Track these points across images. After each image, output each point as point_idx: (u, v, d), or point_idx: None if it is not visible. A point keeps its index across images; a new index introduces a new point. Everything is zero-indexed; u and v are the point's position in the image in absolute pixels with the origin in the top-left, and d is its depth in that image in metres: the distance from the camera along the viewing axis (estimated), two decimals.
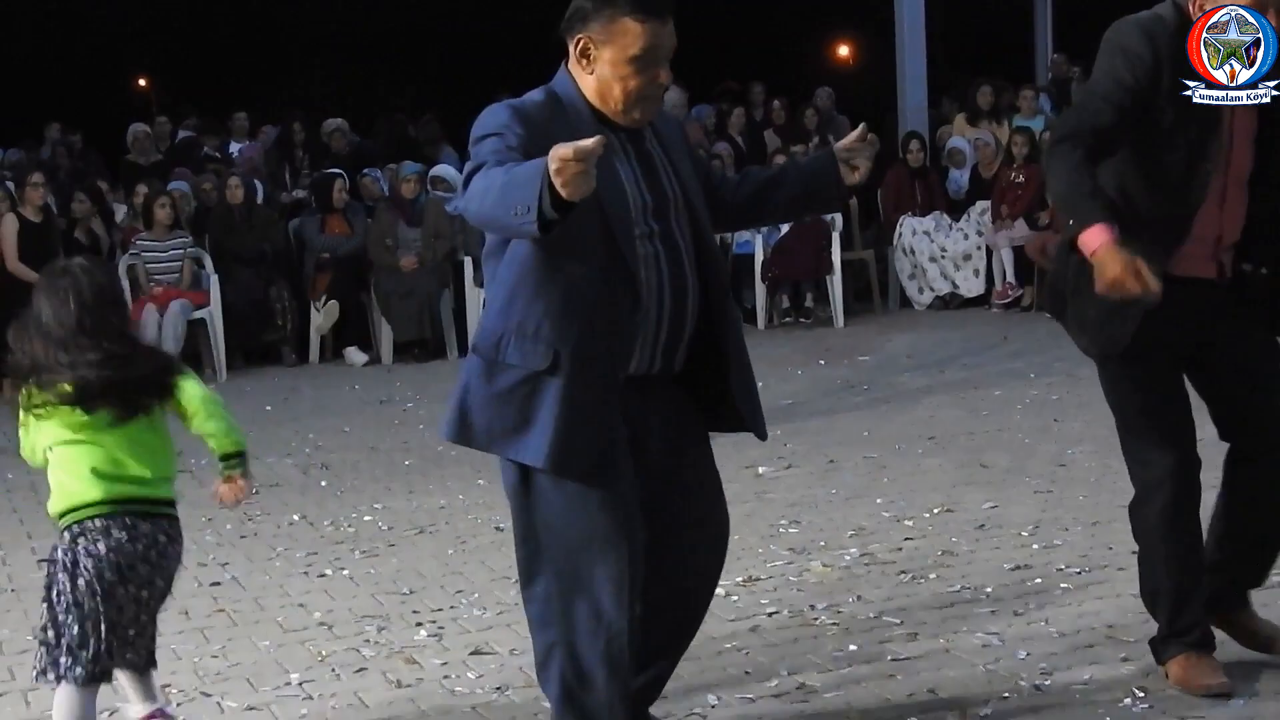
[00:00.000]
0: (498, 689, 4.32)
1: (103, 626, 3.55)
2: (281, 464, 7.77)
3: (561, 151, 2.81)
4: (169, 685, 4.50)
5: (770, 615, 4.81)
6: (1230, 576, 4.04)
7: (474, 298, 11.30)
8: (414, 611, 5.10)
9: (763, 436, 3.50)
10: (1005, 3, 18.14)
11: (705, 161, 3.73)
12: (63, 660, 3.55)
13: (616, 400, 3.23)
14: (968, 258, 12.36)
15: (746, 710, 4.00)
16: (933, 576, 5.15)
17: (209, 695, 4.41)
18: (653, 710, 3.65)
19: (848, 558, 5.43)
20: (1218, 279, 3.79)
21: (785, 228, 11.84)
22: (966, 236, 12.37)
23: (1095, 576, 5.05)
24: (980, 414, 8.07)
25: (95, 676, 3.59)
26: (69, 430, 3.57)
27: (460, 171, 12.31)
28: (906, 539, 5.65)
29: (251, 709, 4.28)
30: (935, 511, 6.02)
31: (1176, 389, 3.86)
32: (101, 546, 3.57)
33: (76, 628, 3.55)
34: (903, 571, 5.23)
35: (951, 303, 12.38)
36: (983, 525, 5.78)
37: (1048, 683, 4.11)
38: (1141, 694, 3.96)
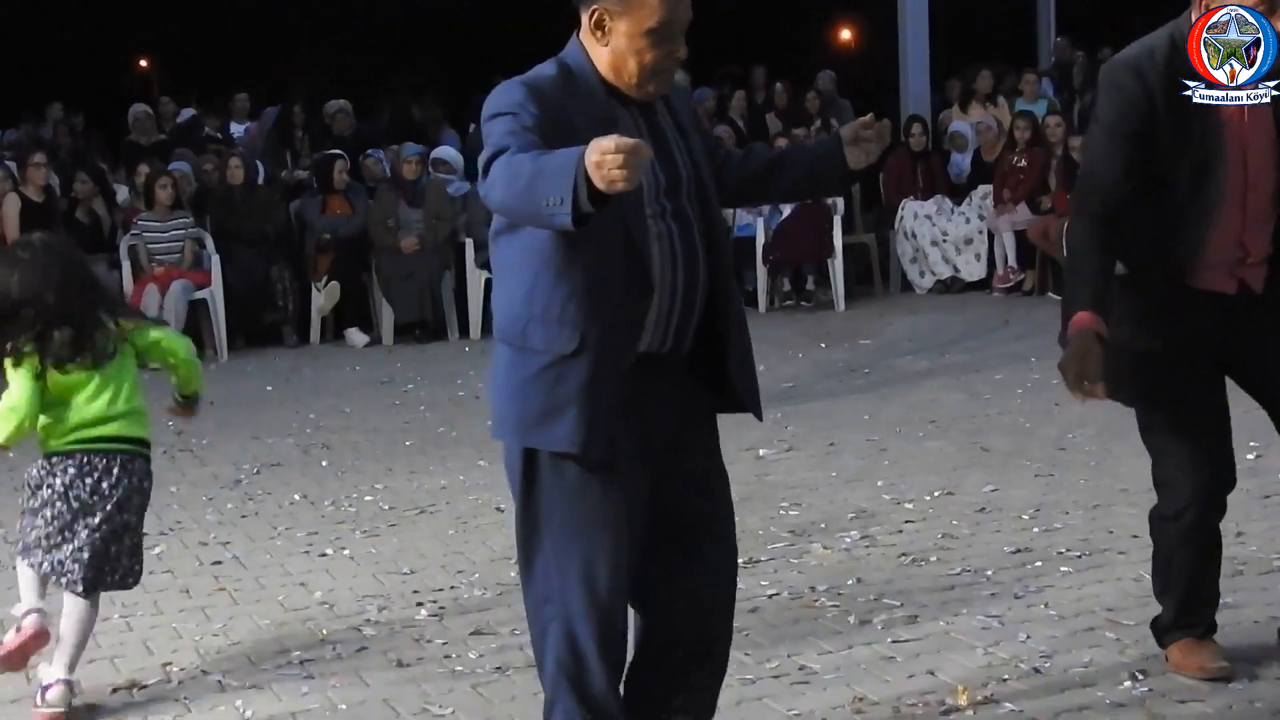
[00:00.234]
0: (498, 668, 4.32)
1: (56, 538, 4.15)
2: (282, 444, 7.77)
3: (604, 144, 2.75)
4: (170, 663, 4.51)
5: (770, 597, 4.81)
6: None
7: (475, 279, 11.30)
8: (415, 591, 5.11)
9: (759, 417, 3.47)
10: None
11: (711, 134, 3.68)
12: (29, 544, 4.21)
13: (629, 381, 3.20)
14: (969, 242, 12.35)
15: (746, 692, 4.01)
16: (933, 559, 5.16)
17: (210, 674, 4.42)
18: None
19: (848, 540, 5.44)
20: (1237, 294, 3.72)
21: (786, 211, 11.83)
22: (968, 220, 12.35)
23: (1095, 560, 5.05)
24: (981, 398, 8.07)
25: (45, 575, 4.20)
26: (45, 380, 4.13)
27: (461, 153, 12.25)
28: (907, 522, 5.65)
29: (253, 687, 4.29)
30: (935, 494, 6.02)
31: (1206, 404, 3.81)
32: (58, 481, 4.15)
33: (36, 533, 4.18)
34: (903, 554, 5.24)
35: (953, 286, 12.37)
36: (983, 508, 5.78)
37: (1047, 665, 4.11)
38: (1141, 677, 3.97)
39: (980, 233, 12.29)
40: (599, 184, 2.78)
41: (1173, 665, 3.94)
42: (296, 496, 6.60)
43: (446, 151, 12.34)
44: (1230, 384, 3.90)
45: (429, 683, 4.24)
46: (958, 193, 12.56)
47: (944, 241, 12.41)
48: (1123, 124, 3.57)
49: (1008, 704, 3.85)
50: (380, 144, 12.81)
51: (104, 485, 4.14)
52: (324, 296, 11.38)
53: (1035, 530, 5.44)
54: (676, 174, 3.24)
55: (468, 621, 4.75)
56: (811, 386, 8.48)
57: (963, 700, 3.88)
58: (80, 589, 4.14)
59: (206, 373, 10.45)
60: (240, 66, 19.33)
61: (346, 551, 5.68)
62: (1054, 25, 16.35)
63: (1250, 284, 3.73)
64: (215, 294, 10.99)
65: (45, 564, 4.15)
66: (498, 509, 6.17)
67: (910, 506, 5.86)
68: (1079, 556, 5.09)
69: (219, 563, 5.62)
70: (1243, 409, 3.96)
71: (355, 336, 11.38)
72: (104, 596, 5.16)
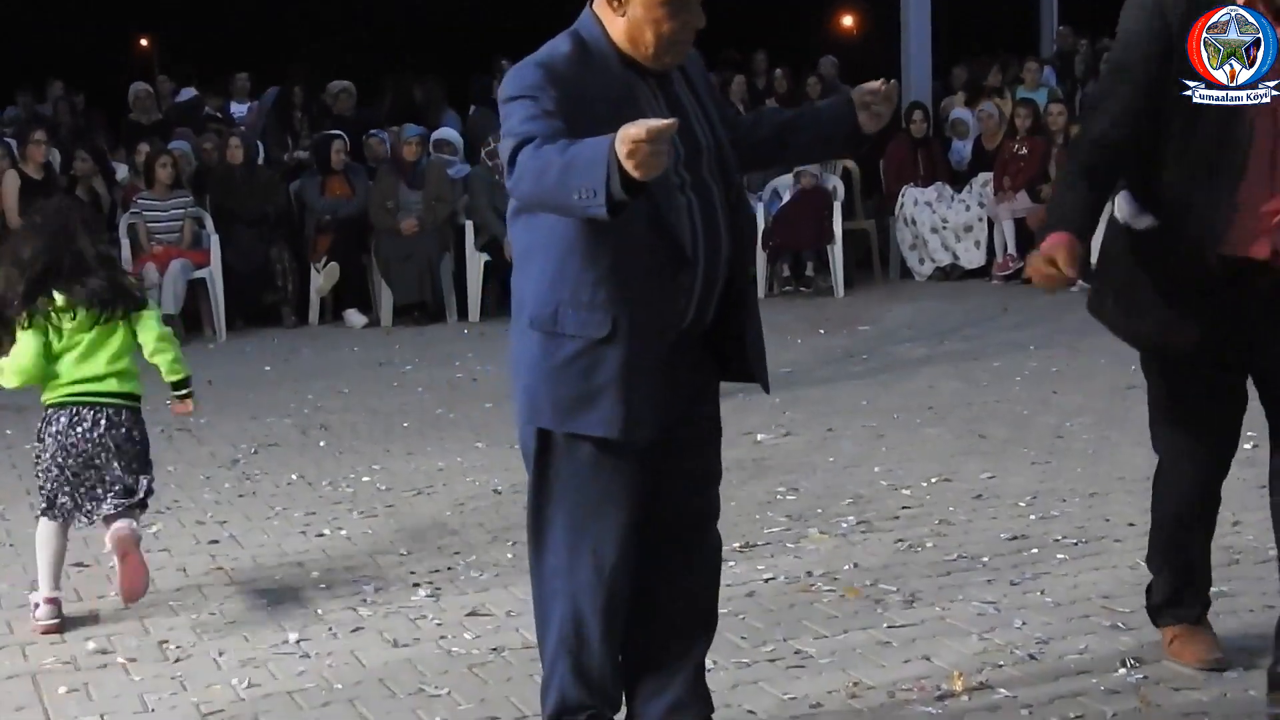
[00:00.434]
0: (494, 650, 4.32)
1: (64, 484, 4.70)
2: (280, 424, 7.77)
3: (633, 132, 2.74)
4: (167, 641, 4.52)
5: (767, 581, 4.81)
6: None
7: (474, 262, 11.29)
8: (411, 572, 5.11)
9: (767, 389, 3.45)
10: None
11: (725, 102, 3.65)
12: (40, 503, 4.74)
13: (671, 359, 3.19)
14: (969, 229, 12.33)
15: (742, 675, 4.01)
16: (929, 545, 5.16)
17: (206, 652, 4.42)
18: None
19: (845, 525, 5.44)
20: (1271, 261, 3.51)
21: (786, 196, 11.82)
22: (968, 208, 12.33)
23: (1091, 548, 5.05)
24: (979, 385, 8.06)
25: (59, 517, 4.72)
26: (49, 340, 4.65)
27: (461, 134, 12.22)
28: (904, 508, 5.65)
29: (249, 666, 4.29)
30: (933, 481, 6.02)
31: (1222, 391, 3.73)
32: (54, 428, 4.71)
33: (48, 483, 4.71)
34: (900, 540, 5.24)
35: (952, 274, 12.36)
36: (980, 495, 5.78)
37: (1043, 652, 4.11)
38: (1136, 664, 3.97)
39: (980, 220, 12.28)
40: (632, 172, 2.77)
41: (1170, 654, 3.93)
42: (294, 477, 6.60)
43: (447, 133, 12.32)
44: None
45: (425, 664, 4.24)
46: (958, 180, 12.55)
47: (944, 229, 12.40)
48: (1127, 57, 3.47)
49: (1003, 690, 3.86)
50: (381, 125, 12.78)
51: (95, 434, 4.68)
52: (323, 277, 11.37)
53: (1032, 517, 5.44)
54: (696, 144, 3.20)
55: (464, 603, 4.76)
56: (810, 372, 8.47)
57: (958, 686, 3.88)
58: (89, 522, 4.76)
59: (204, 353, 10.50)
60: (242, 46, 19.28)
61: (344, 532, 5.68)
62: (1056, 13, 16.32)
63: None
64: (214, 274, 10.98)
65: (59, 509, 4.71)
66: (495, 491, 6.17)
67: (907, 493, 5.87)
68: (1075, 544, 5.09)
69: (216, 542, 5.62)
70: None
71: (354, 318, 11.38)
72: (100, 576, 5.19)
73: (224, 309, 11.03)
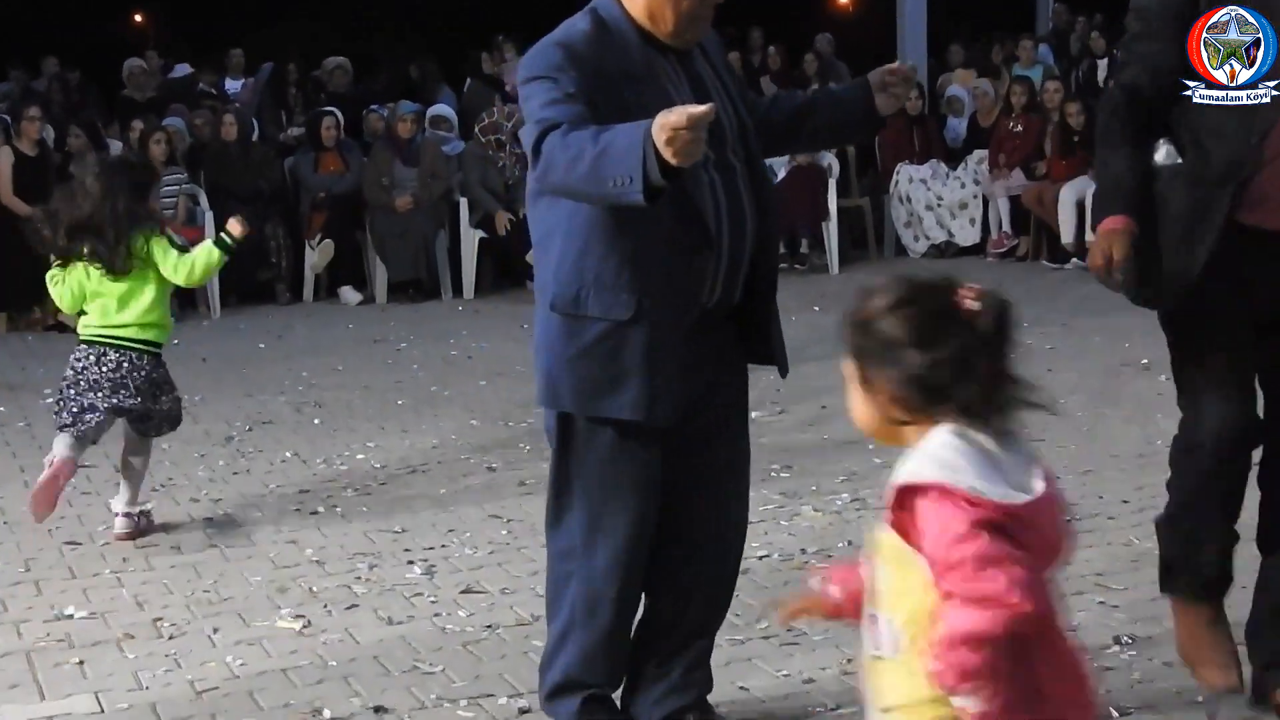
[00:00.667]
0: (488, 627, 4.32)
1: (84, 412, 5.22)
2: (275, 402, 7.76)
3: (673, 120, 2.71)
4: (161, 619, 4.51)
5: (761, 559, 4.81)
6: None
7: (469, 239, 11.27)
8: (405, 550, 5.11)
9: (785, 372, 3.43)
10: None
11: (743, 80, 3.63)
12: (64, 418, 5.25)
13: (694, 340, 3.17)
14: (964, 206, 12.32)
15: (736, 652, 4.01)
16: None
17: (201, 629, 4.42)
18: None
19: (839, 503, 5.44)
20: None
21: (781, 174, 11.80)
22: (963, 185, 12.32)
23: (1085, 525, 5.05)
24: None
25: (78, 438, 5.22)
26: (86, 285, 5.23)
27: (456, 111, 12.12)
28: None
29: (243, 643, 4.29)
30: None
31: (1244, 352, 3.55)
32: (79, 364, 5.24)
33: (73, 406, 5.23)
34: None
35: (947, 251, 12.34)
36: None
37: None
38: (1129, 640, 3.98)
39: (975, 197, 12.26)
40: (672, 159, 2.74)
41: (1180, 650, 3.67)
42: (288, 454, 6.60)
43: (443, 109, 12.27)
44: None
45: (419, 640, 4.24)
46: (953, 157, 12.53)
47: (939, 206, 12.38)
48: (1154, 9, 3.35)
49: None
50: (377, 101, 12.74)
51: (116, 373, 5.21)
52: (318, 254, 11.34)
53: None
54: (718, 123, 3.13)
55: (458, 580, 4.76)
56: (805, 350, 8.42)
57: None
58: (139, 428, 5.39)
59: (198, 330, 10.47)
60: (237, 22, 19.21)
61: (338, 509, 5.68)
62: None
63: None
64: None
65: (74, 431, 5.21)
66: (489, 469, 6.17)
67: None
68: (1069, 521, 5.08)
69: (210, 519, 5.61)
70: None
71: (349, 295, 11.36)
72: (94, 553, 5.19)
73: (218, 286, 10.99)
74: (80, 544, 5.32)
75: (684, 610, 3.41)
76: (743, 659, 3.96)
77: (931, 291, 2.06)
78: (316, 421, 7.25)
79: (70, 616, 4.54)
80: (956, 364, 2.03)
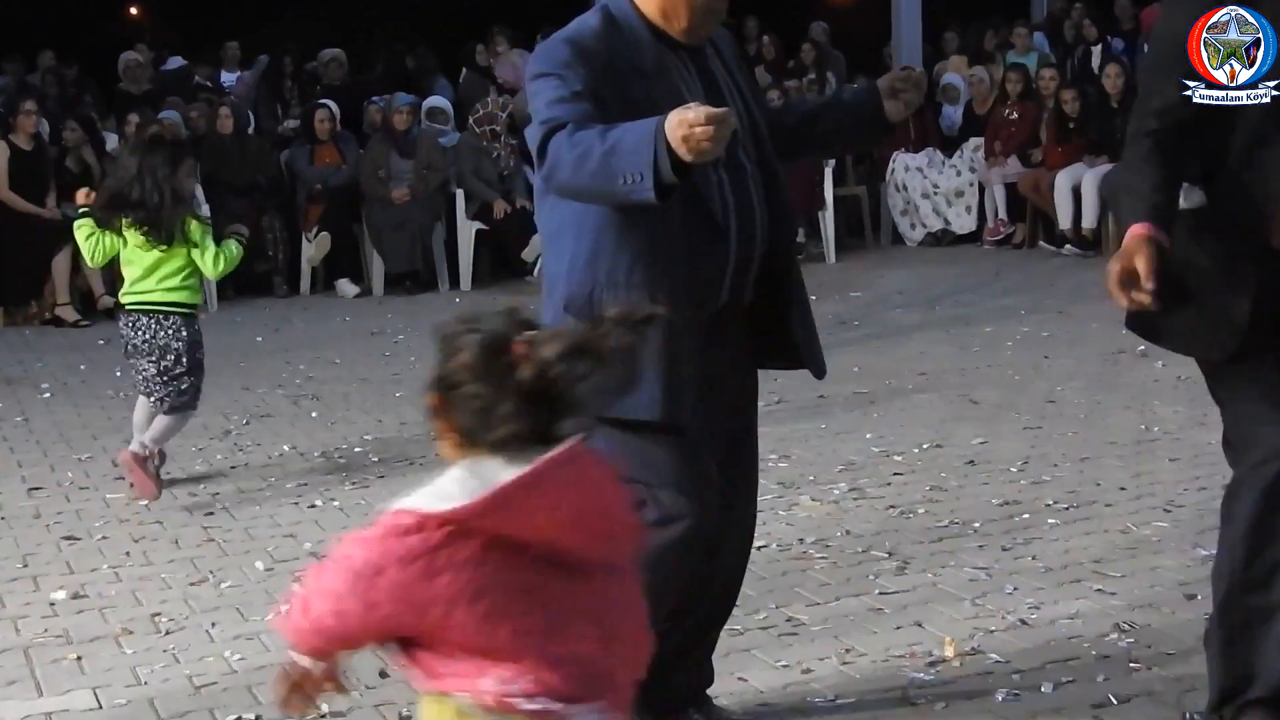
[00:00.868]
0: None
1: (136, 375, 5.85)
2: (272, 395, 7.75)
3: (691, 116, 2.68)
4: (159, 614, 4.50)
5: (759, 549, 4.78)
6: None
7: (466, 231, 11.26)
8: None
9: (819, 375, 3.35)
10: None
11: (754, 79, 3.58)
12: (141, 387, 5.86)
13: (708, 337, 3.12)
14: (960, 194, 12.31)
15: (734, 643, 4.00)
16: (921, 511, 5.15)
17: (199, 624, 4.41)
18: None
19: (836, 492, 5.43)
20: None
21: None
22: (959, 173, 12.31)
23: (1082, 512, 5.05)
24: (971, 350, 8.06)
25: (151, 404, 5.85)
26: (119, 248, 5.78)
27: (452, 103, 12.08)
28: (895, 474, 5.65)
29: (241, 638, 4.28)
30: (925, 447, 6.02)
31: None
32: (122, 335, 5.86)
33: (136, 375, 5.85)
34: (891, 506, 5.23)
35: (943, 239, 12.34)
36: (972, 461, 5.78)
37: (1034, 617, 4.12)
38: (1127, 628, 3.98)
39: (971, 185, 12.26)
40: (686, 155, 2.71)
41: None
42: (286, 447, 6.59)
43: (439, 101, 12.26)
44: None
45: None
46: (949, 145, 12.51)
47: (935, 194, 12.37)
48: (1180, 28, 3.19)
49: (994, 655, 3.86)
50: (373, 93, 12.71)
51: (148, 337, 5.74)
52: (314, 247, 11.34)
53: (1023, 483, 5.44)
54: None
55: None
56: None
57: (949, 652, 3.88)
58: (163, 408, 5.82)
59: None
60: (233, 15, 19.17)
61: (336, 503, 5.67)
62: None
63: None
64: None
65: (142, 395, 5.85)
66: None
67: (899, 459, 5.86)
68: (1066, 509, 5.09)
69: (209, 513, 5.60)
70: None
71: (346, 287, 11.35)
72: (92, 549, 5.18)
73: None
74: (79, 539, 5.31)
75: (700, 605, 3.36)
76: (741, 650, 3.95)
77: (491, 335, 2.18)
78: (314, 414, 7.25)
79: (67, 612, 4.53)
80: (489, 406, 2.17)
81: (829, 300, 9.82)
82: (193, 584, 4.78)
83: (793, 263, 3.30)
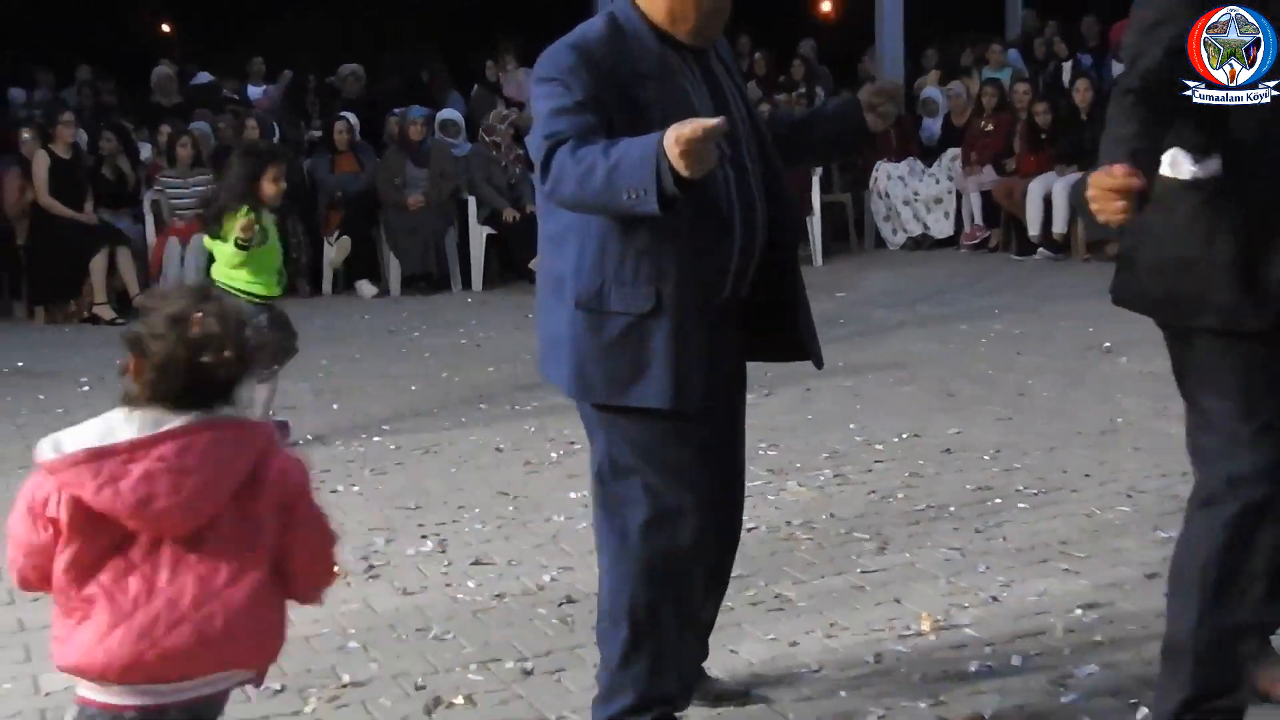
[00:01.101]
0: (496, 596, 4.34)
1: None
2: (296, 388, 7.75)
3: (686, 132, 2.64)
4: None
5: (749, 531, 4.82)
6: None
7: (477, 234, 11.27)
8: (419, 525, 5.13)
9: (819, 365, 3.33)
10: None
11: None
12: None
13: (713, 329, 3.08)
14: (939, 201, 12.33)
15: (725, 619, 4.00)
16: (900, 496, 5.18)
17: None
18: None
19: (822, 478, 5.46)
20: None
21: None
22: (938, 181, 12.33)
23: (1051, 497, 5.08)
24: (948, 347, 8.08)
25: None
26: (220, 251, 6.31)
27: (463, 115, 12.06)
28: (877, 461, 5.67)
29: None
30: (904, 436, 6.04)
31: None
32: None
33: None
34: (872, 491, 5.26)
35: (923, 243, 12.36)
36: (948, 449, 5.80)
37: (1005, 594, 4.14)
38: (1091, 606, 4.00)
39: (949, 193, 12.28)
40: (686, 171, 2.67)
41: None
42: (309, 436, 6.61)
43: (452, 114, 12.27)
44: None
45: (432, 609, 4.26)
46: (928, 155, 12.53)
47: (915, 201, 12.39)
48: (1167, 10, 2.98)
49: (968, 629, 3.89)
50: (390, 107, 12.73)
51: None
52: (335, 250, 11.28)
53: (995, 469, 5.46)
54: (731, 119, 3.04)
55: (468, 553, 4.78)
56: None
57: (926, 626, 3.91)
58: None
59: None
60: (256, 31, 19.16)
61: (356, 488, 5.69)
62: None
63: None
64: None
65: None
66: (496, 449, 6.19)
67: (880, 447, 5.89)
68: (1035, 494, 5.12)
69: None
70: None
71: (365, 288, 11.36)
72: None
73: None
74: None
75: (713, 590, 3.35)
76: (732, 625, 3.98)
77: (176, 309, 2.35)
78: (335, 406, 7.27)
79: None
80: (156, 368, 2.31)
81: (816, 300, 9.69)
82: None
83: (796, 260, 3.26)
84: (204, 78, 14.25)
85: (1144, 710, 3.26)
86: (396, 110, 12.35)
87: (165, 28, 23.68)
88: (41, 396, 7.65)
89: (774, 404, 6.76)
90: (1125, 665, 3.59)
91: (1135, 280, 3.10)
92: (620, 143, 2.81)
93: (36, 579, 2.31)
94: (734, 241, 3.07)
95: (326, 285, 11.53)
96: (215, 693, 2.36)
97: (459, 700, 3.58)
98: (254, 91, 13.91)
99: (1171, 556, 3.12)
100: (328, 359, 8.59)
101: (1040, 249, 11.26)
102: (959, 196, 12.22)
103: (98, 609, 2.24)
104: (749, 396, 7.24)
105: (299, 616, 4.20)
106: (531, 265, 10.85)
